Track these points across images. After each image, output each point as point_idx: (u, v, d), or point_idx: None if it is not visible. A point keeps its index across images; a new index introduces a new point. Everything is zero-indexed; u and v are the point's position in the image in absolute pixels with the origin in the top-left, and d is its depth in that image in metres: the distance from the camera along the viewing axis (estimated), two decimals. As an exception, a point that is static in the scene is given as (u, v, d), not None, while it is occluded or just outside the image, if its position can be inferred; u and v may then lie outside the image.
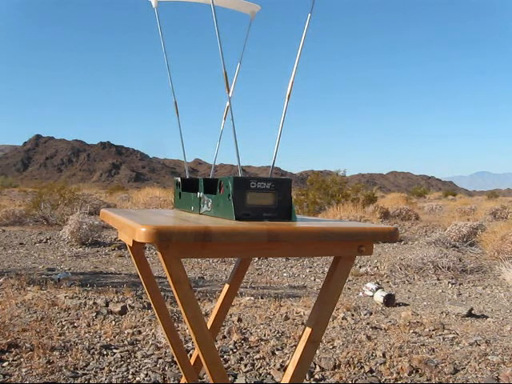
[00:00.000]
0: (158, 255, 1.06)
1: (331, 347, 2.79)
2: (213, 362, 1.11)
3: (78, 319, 3.08)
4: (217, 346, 2.65)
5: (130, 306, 3.39)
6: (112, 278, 4.86)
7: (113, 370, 2.33)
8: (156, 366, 2.39)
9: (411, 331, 3.19)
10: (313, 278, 5.42)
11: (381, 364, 2.55)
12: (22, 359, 2.36)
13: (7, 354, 2.42)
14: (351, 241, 1.14)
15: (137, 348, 2.63)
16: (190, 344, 2.68)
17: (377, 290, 4.36)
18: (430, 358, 2.65)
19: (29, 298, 3.51)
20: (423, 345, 2.89)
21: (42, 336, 2.72)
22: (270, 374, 2.39)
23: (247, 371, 2.40)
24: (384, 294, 4.18)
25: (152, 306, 1.66)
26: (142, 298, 3.67)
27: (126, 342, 2.70)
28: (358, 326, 3.25)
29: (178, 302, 1.07)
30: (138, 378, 2.25)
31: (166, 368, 2.37)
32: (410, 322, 3.38)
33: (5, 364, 2.31)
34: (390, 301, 4.14)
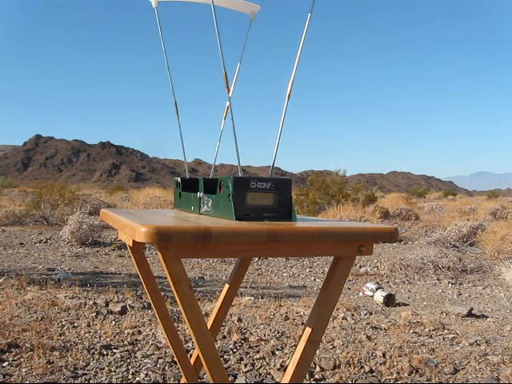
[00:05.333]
0: (158, 255, 1.06)
1: (331, 347, 2.79)
2: (213, 362, 1.11)
3: (78, 319, 3.08)
4: (217, 346, 2.65)
5: (130, 305, 3.39)
6: (112, 278, 4.86)
7: (113, 370, 2.33)
8: (156, 366, 2.39)
9: (411, 331, 3.19)
10: (313, 278, 5.41)
11: (381, 364, 2.55)
12: (22, 359, 2.36)
13: (7, 353, 2.42)
14: (351, 241, 1.14)
15: (137, 348, 2.63)
16: (190, 344, 2.68)
17: (377, 289, 4.35)
18: (430, 358, 2.65)
19: (29, 298, 3.50)
20: (423, 345, 2.89)
21: (42, 336, 2.72)
22: (270, 373, 2.39)
23: (247, 371, 2.40)
24: (384, 293, 4.18)
25: (152, 306, 1.66)
26: (141, 298, 3.67)
27: (126, 342, 2.70)
28: (357, 326, 3.25)
29: (178, 302, 1.07)
30: (138, 378, 2.25)
31: (166, 368, 2.37)
32: (410, 322, 3.38)
33: (5, 364, 2.31)
34: (389, 301, 4.14)
